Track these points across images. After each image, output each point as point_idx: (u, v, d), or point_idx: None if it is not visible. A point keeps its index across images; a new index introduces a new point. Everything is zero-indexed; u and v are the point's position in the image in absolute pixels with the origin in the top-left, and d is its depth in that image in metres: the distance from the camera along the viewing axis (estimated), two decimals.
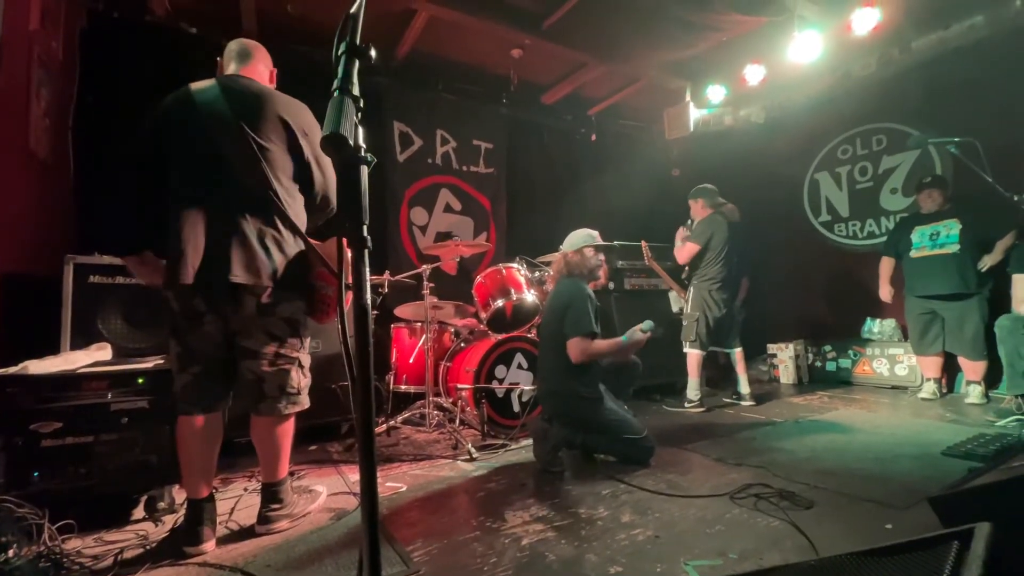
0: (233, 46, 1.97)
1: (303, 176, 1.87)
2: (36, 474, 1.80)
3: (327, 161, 1.91)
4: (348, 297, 0.82)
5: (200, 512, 1.74)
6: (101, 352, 2.30)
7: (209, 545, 1.73)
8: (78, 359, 2.09)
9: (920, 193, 3.91)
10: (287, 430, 1.90)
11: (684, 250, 3.96)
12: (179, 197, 1.76)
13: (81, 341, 2.39)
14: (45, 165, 2.75)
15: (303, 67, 4.05)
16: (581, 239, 2.81)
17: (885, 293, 4.09)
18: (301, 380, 1.89)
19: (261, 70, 1.98)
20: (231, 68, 1.93)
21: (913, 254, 3.90)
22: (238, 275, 1.70)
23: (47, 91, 2.74)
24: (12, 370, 1.84)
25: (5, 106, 2.32)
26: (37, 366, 1.89)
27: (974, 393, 3.62)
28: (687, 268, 4.07)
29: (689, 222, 4.12)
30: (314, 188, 1.89)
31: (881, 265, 4.14)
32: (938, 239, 3.77)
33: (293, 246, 1.84)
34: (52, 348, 2.31)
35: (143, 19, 3.58)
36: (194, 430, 1.77)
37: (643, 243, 4.24)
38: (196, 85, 1.81)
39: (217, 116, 1.74)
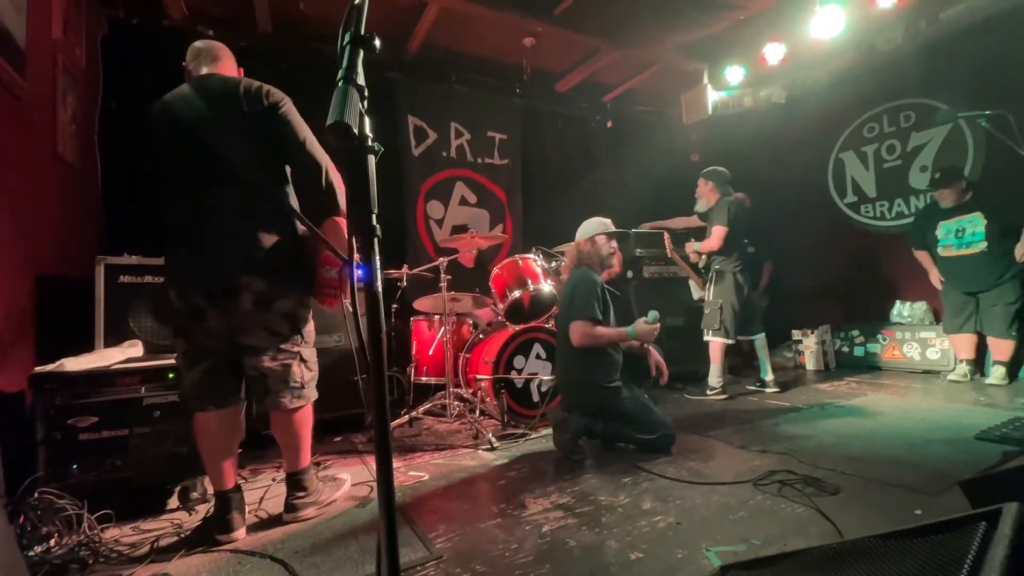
0: (199, 45, 1.95)
1: (291, 160, 1.87)
2: (75, 466, 1.88)
3: (315, 143, 1.86)
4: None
5: (229, 502, 1.80)
6: (133, 349, 2.38)
7: (240, 533, 1.79)
8: (112, 356, 2.17)
9: (936, 192, 3.82)
10: (304, 420, 1.92)
11: (714, 236, 3.81)
12: (172, 197, 1.80)
13: (114, 339, 2.48)
14: (73, 170, 2.84)
15: (319, 65, 4.10)
16: (593, 227, 2.80)
17: (935, 279, 3.96)
18: (304, 374, 1.89)
19: (230, 66, 1.98)
20: (202, 70, 1.91)
21: (941, 252, 3.82)
22: (233, 273, 1.73)
23: (72, 97, 2.83)
24: (49, 367, 1.92)
25: (33, 113, 2.39)
26: (73, 363, 1.96)
27: (996, 374, 3.52)
28: (705, 256, 3.99)
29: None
30: (309, 174, 1.84)
31: (918, 258, 4.04)
32: (964, 236, 3.68)
33: (291, 234, 1.84)
34: (87, 346, 2.40)
35: (161, 24, 3.65)
36: (210, 426, 1.81)
37: (665, 235, 4.16)
38: (171, 93, 1.83)
39: (197, 113, 1.75)
